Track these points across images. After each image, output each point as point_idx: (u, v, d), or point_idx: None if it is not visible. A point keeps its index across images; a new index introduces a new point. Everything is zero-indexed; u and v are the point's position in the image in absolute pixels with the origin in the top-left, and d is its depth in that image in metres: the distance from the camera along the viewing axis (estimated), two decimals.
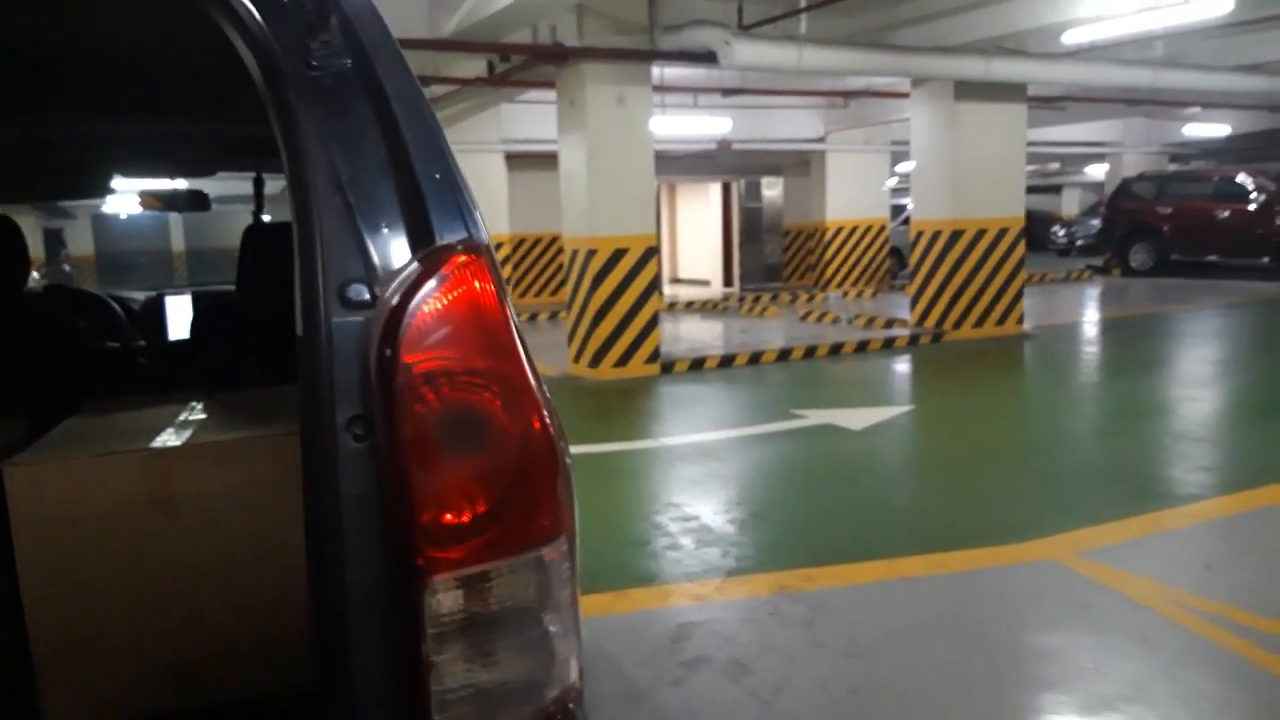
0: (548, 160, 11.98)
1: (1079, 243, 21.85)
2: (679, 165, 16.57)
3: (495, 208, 13.22)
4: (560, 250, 8.96)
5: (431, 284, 0.94)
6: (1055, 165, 24.81)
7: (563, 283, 8.83)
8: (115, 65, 1.90)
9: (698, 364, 8.78)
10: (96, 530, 1.42)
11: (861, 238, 16.32)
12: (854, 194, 15.95)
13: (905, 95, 10.66)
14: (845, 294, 15.24)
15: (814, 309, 12.93)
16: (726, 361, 8.90)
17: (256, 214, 3.45)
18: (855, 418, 6.50)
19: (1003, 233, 10.05)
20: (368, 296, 0.93)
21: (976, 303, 10.06)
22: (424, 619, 0.87)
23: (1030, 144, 10.78)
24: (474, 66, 9.96)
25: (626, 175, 8.28)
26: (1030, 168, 16.56)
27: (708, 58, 8.02)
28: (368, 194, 0.97)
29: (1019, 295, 10.28)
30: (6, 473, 1.38)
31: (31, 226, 22.72)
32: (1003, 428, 6.42)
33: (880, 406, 6.87)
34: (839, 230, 16.13)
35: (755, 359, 9.03)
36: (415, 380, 0.90)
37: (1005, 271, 10.12)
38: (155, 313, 3.78)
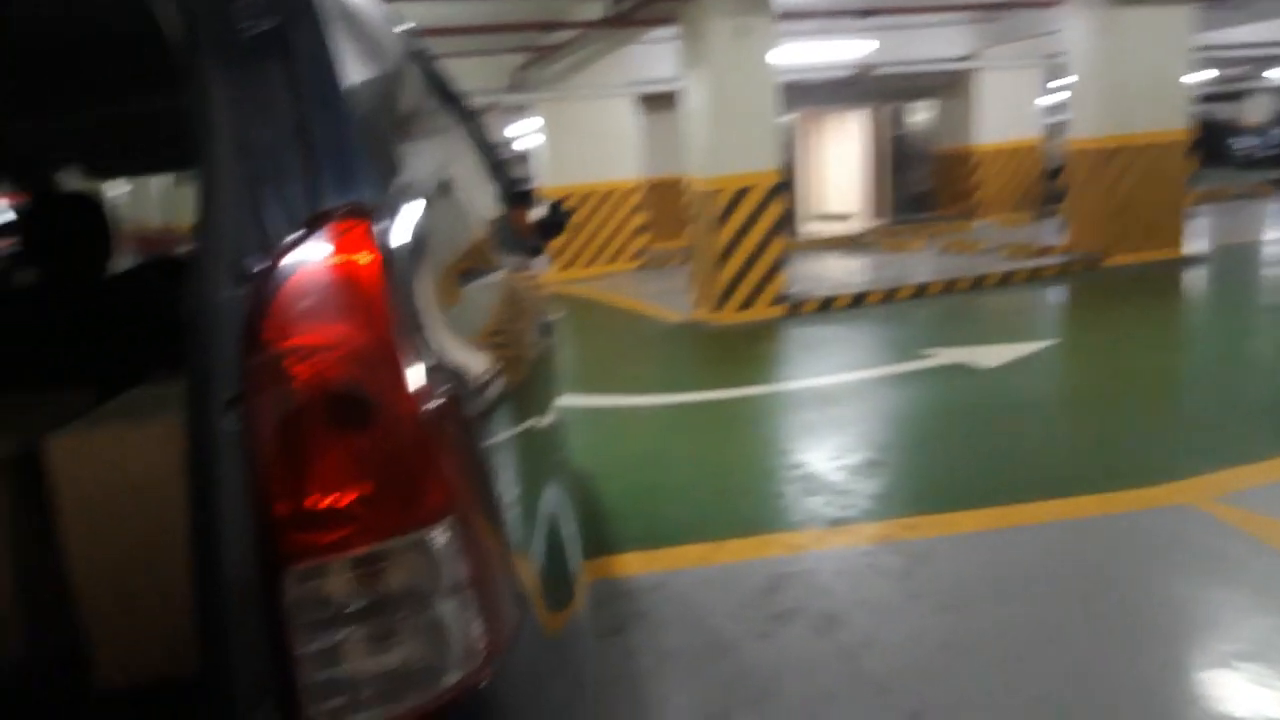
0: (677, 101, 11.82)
1: (1262, 154, 19.93)
2: (818, 94, 15.99)
3: (628, 151, 13.18)
4: None
5: (302, 252, 0.89)
6: (1238, 70, 22.63)
7: None
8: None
9: (826, 304, 8.55)
10: (140, 500, 1.46)
11: (1015, 161, 15.41)
12: (1006, 114, 15.04)
13: (1059, 1, 9.89)
14: (997, 222, 14.47)
15: (960, 239, 12.34)
16: (857, 300, 8.62)
17: None
18: (988, 355, 6.18)
19: (1165, 148, 9.25)
20: (258, 270, 0.90)
21: (1136, 225, 9.33)
22: (292, 608, 0.85)
23: (1207, 48, 9.83)
24: (594, 9, 9.88)
25: (749, 110, 8.06)
26: (1208, 74, 15.14)
27: None
28: (273, 162, 0.93)
29: (1184, 216, 9.47)
30: (50, 445, 1.44)
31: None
32: (1151, 362, 5.96)
33: (1018, 343, 6.51)
34: (991, 154, 15.28)
35: (889, 296, 8.71)
36: (279, 355, 0.86)
37: (1168, 190, 9.32)
38: None
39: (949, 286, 8.91)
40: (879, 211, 17.20)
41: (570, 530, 1.70)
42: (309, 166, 0.94)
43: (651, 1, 8.55)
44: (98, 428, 1.55)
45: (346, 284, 0.89)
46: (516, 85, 12.56)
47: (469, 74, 11.38)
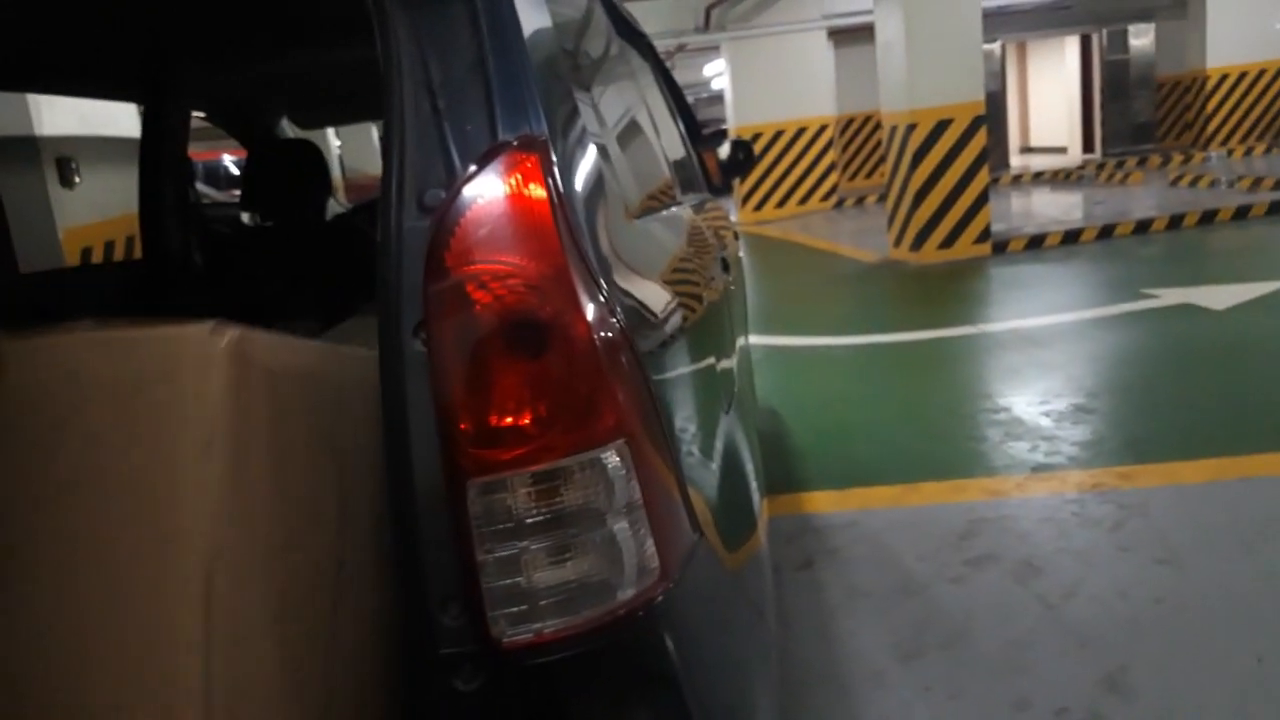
0: (872, 34, 11.37)
1: None
2: (1027, 20, 14.95)
3: (820, 88, 12.81)
4: None
5: (480, 183, 0.93)
6: None
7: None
8: None
9: (1036, 241, 8.07)
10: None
11: (1252, 85, 13.89)
12: (1242, 33, 13.55)
13: None
14: (1230, 152, 13.14)
15: (1188, 172, 11.31)
16: (1071, 237, 8.09)
17: None
18: (1220, 296, 5.67)
19: None
20: (442, 200, 0.94)
21: None
22: (473, 518, 0.90)
23: None
24: None
25: (949, 37, 7.64)
26: None
27: None
28: (456, 97, 0.97)
29: None
30: None
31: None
32: None
33: (1256, 282, 5.93)
34: (1224, 78, 13.84)
35: (1106, 233, 8.12)
36: (459, 282, 0.90)
37: None
38: None
39: (1175, 222, 8.21)
40: (1093, 144, 15.98)
41: (751, 465, 1.70)
42: (488, 102, 0.97)
43: None
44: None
45: (520, 214, 0.92)
46: (704, 25, 12.42)
47: (657, 16, 11.35)
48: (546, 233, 0.92)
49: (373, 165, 16.86)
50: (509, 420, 0.89)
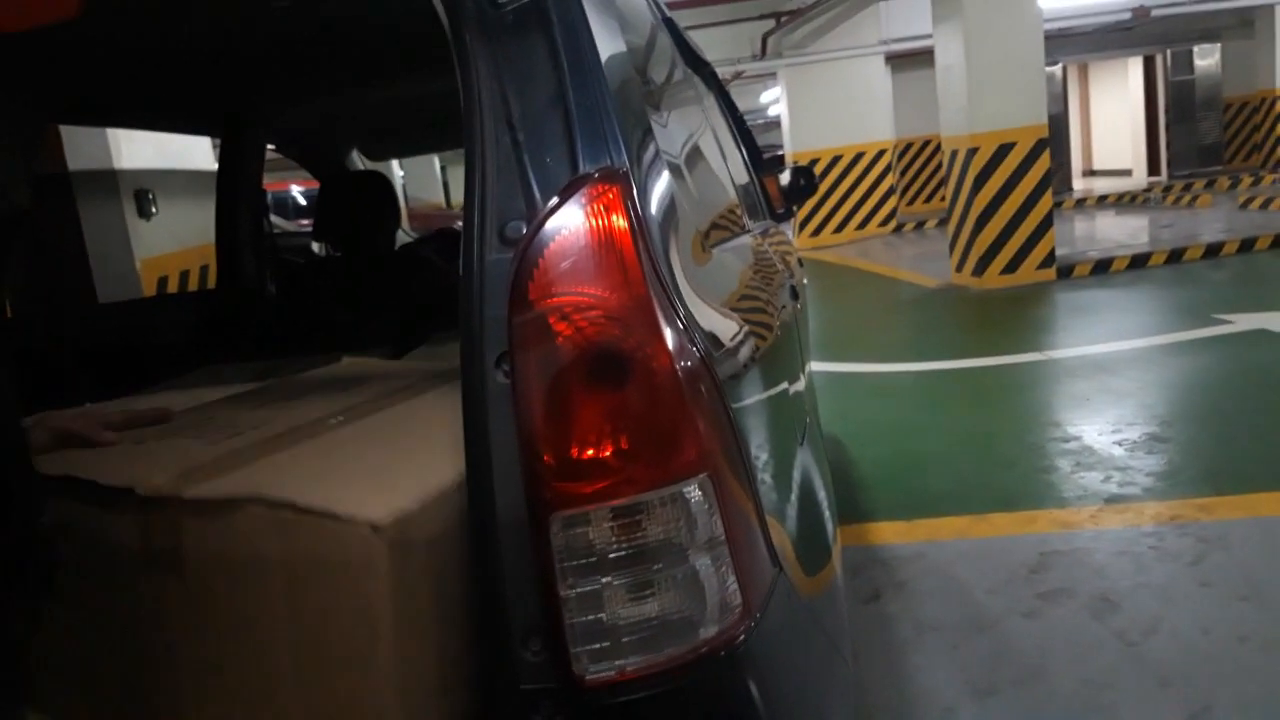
0: (930, 58, 11.31)
1: None
2: (1089, 42, 14.75)
3: (877, 112, 12.75)
4: None
5: (563, 215, 0.93)
6: None
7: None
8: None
9: (1102, 266, 7.91)
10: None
11: None
12: None
13: None
14: None
15: (1258, 194, 11.02)
16: (1138, 262, 7.92)
17: None
18: None
19: None
20: (524, 232, 0.94)
21: None
22: (556, 553, 0.89)
23: None
24: None
25: (1011, 60, 7.56)
26: None
27: None
28: (536, 129, 0.97)
29: None
30: None
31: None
32: None
33: None
34: None
35: (1175, 257, 7.93)
36: (542, 314, 0.90)
37: None
38: None
39: (1246, 246, 8.00)
40: (1159, 166, 15.66)
41: (824, 494, 1.69)
42: (568, 134, 0.98)
43: None
44: None
45: (602, 246, 0.92)
46: (761, 53, 12.46)
47: (715, 43, 11.41)
48: (629, 264, 0.92)
49: (434, 194, 17.14)
50: (592, 453, 0.89)
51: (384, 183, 2.83)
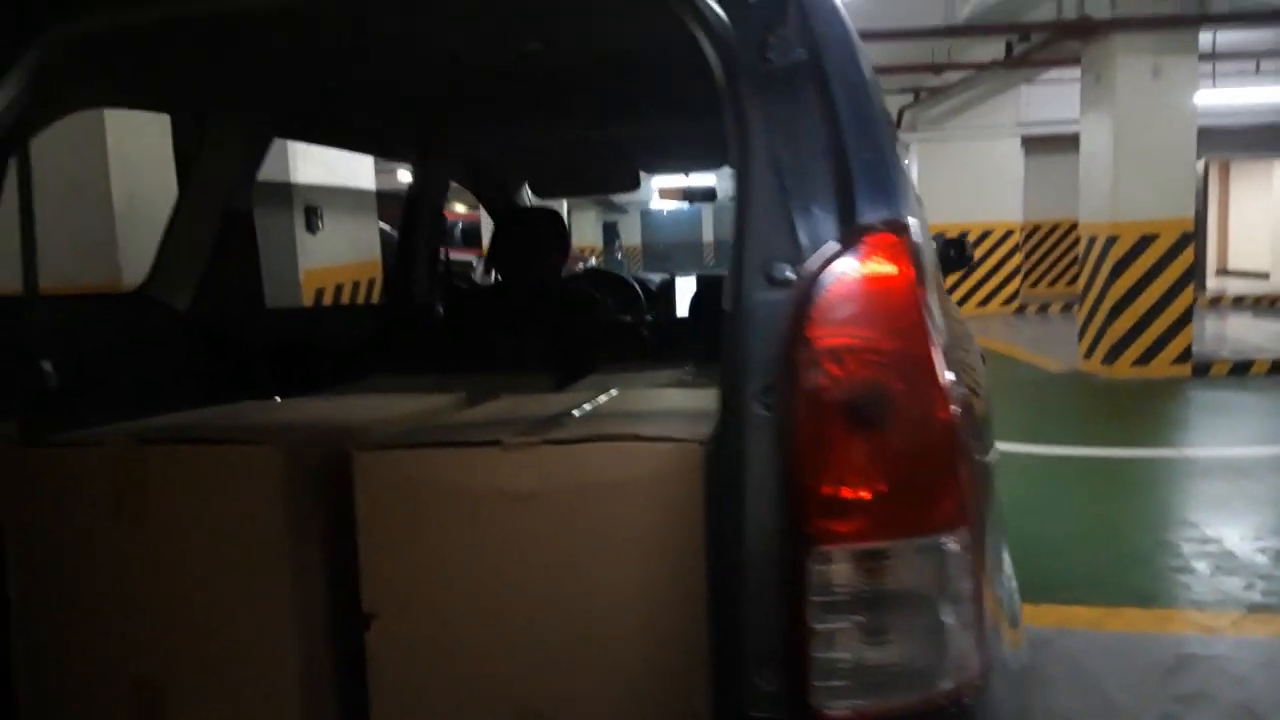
0: (1066, 143, 11.13)
1: None
2: (1237, 140, 14.31)
3: (1008, 192, 12.62)
4: (1077, 240, 8.31)
5: (844, 262, 0.96)
6: None
7: (1077, 274, 8.19)
8: (618, 72, 2.11)
9: (1241, 367, 7.62)
10: (438, 526, 1.30)
11: None
12: None
13: None
14: None
15: None
16: None
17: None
18: None
19: None
20: (790, 275, 0.98)
21: None
22: (809, 586, 0.91)
23: None
24: (991, 50, 9.58)
25: (1160, 153, 7.43)
26: None
27: (1276, 17, 6.87)
28: (802, 178, 1.02)
29: None
30: (355, 457, 1.30)
31: (592, 221, 26.37)
32: None
33: None
34: None
35: None
36: (819, 355, 0.93)
37: None
38: (667, 293, 4.27)
39: None
40: None
41: (1010, 562, 1.68)
42: (842, 184, 1.02)
43: (1056, 41, 8.15)
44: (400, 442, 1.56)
45: (884, 294, 0.96)
46: (897, 124, 12.48)
47: None
48: (911, 314, 0.96)
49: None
50: (857, 493, 0.91)
51: (557, 219, 2.96)
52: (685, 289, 4.29)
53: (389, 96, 2.26)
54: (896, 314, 0.96)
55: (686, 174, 4.11)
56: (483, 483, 1.26)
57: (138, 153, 3.49)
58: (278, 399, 1.82)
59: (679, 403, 1.60)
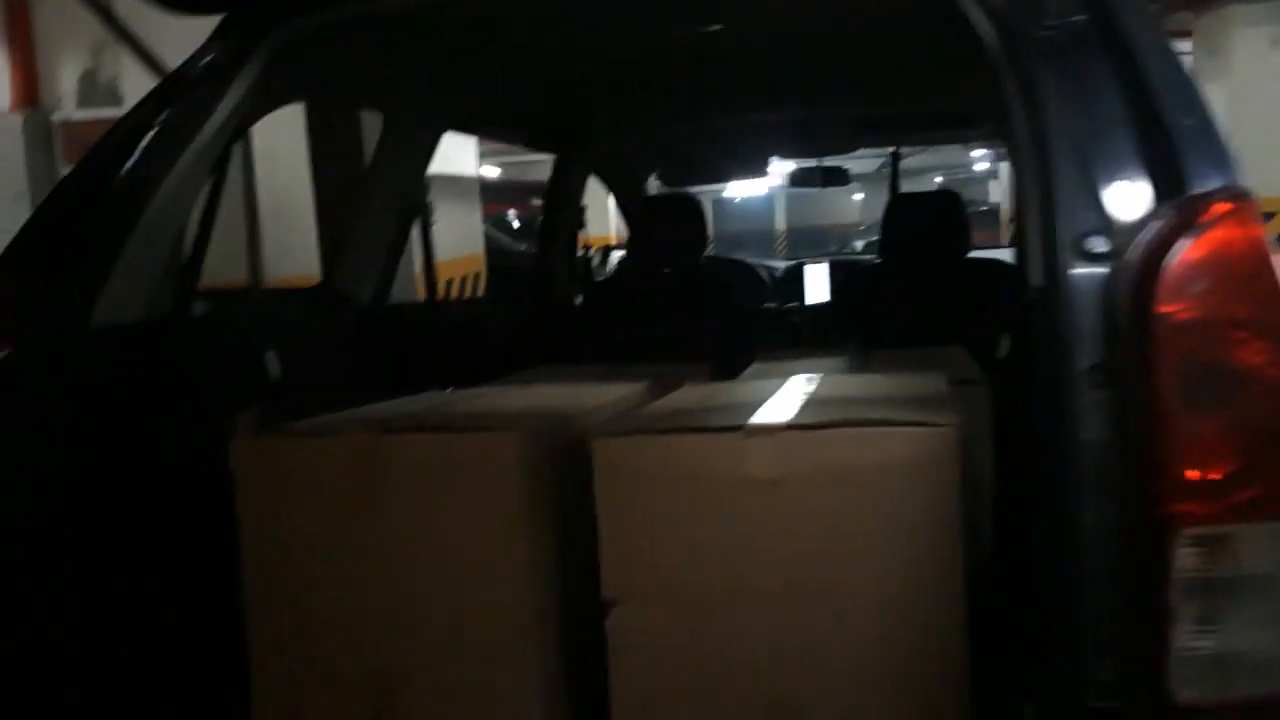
0: None
1: None
2: None
3: None
4: None
5: (1189, 233, 0.92)
6: None
7: None
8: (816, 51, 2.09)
9: None
10: (680, 513, 1.27)
11: None
12: None
13: None
14: None
15: None
16: None
17: (894, 187, 3.66)
18: None
19: None
20: (1106, 248, 0.95)
21: None
22: (1165, 571, 0.87)
23: None
24: None
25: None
26: None
27: None
28: (1105, 147, 0.98)
29: None
30: (595, 444, 1.28)
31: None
32: None
33: None
34: None
35: None
36: (1170, 330, 0.89)
37: None
38: (794, 279, 4.24)
39: None
40: None
41: None
42: (1159, 152, 0.98)
43: (1165, 15, 7.84)
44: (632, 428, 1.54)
45: (1236, 263, 0.92)
46: None
47: None
48: (1264, 283, 0.91)
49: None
50: (1215, 474, 0.87)
51: (697, 207, 2.95)
52: (816, 276, 4.24)
53: (553, 85, 2.27)
54: (1251, 284, 0.91)
55: (818, 157, 4.06)
56: (725, 468, 1.25)
57: (279, 148, 3.56)
58: (451, 390, 1.83)
59: (891, 388, 1.56)
